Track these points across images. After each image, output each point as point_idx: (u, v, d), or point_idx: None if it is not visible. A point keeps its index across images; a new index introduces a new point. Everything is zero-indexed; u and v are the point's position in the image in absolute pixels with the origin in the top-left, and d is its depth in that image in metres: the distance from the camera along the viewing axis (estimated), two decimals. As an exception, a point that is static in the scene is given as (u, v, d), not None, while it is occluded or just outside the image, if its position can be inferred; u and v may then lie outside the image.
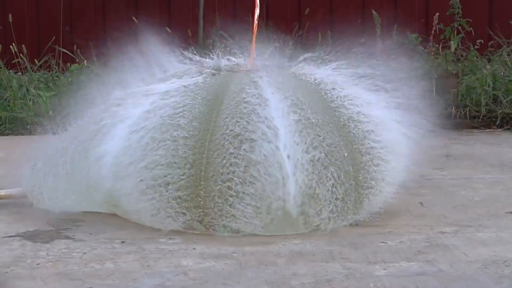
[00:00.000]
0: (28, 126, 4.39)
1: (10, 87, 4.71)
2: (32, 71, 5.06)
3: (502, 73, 4.58)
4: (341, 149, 1.98)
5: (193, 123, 1.97)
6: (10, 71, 4.98)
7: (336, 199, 1.93)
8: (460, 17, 4.91)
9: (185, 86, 2.09)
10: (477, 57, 4.91)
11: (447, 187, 2.50)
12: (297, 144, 1.90)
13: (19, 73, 5.01)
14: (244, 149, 1.89)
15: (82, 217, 2.14)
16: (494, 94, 4.40)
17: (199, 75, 2.15)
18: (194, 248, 1.83)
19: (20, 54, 4.99)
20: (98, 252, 1.82)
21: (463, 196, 2.40)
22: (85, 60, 4.98)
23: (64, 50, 5.28)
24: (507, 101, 4.33)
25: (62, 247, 1.87)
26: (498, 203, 2.34)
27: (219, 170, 1.89)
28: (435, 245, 1.85)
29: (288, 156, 1.87)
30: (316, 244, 1.84)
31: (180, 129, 1.96)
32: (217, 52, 2.29)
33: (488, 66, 4.67)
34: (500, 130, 4.20)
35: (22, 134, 4.36)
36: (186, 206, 1.92)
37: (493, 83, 4.46)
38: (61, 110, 4.43)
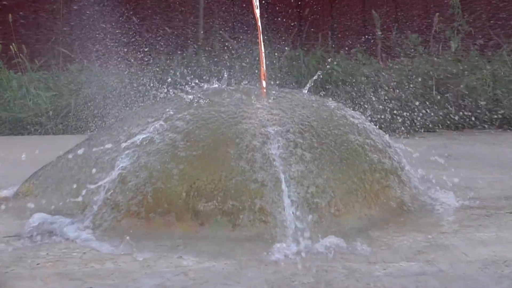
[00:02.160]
0: (28, 126, 4.39)
1: (10, 87, 4.71)
2: (32, 71, 5.06)
3: (502, 73, 4.59)
4: (347, 179, 2.01)
5: (193, 153, 1.99)
6: (10, 71, 4.98)
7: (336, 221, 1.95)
8: (460, 17, 4.91)
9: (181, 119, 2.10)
10: (477, 57, 4.91)
11: (447, 187, 2.50)
12: (298, 182, 1.93)
13: (19, 73, 5.01)
14: (249, 187, 1.91)
15: (82, 218, 2.14)
16: (494, 94, 4.41)
17: (197, 102, 2.16)
18: (194, 248, 1.83)
19: (20, 54, 5.00)
20: (98, 252, 1.81)
21: (464, 195, 2.40)
22: (85, 60, 4.99)
23: (64, 50, 5.28)
24: (507, 101, 4.34)
25: (62, 247, 1.87)
26: (498, 203, 2.34)
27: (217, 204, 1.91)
28: (435, 245, 1.85)
29: (289, 196, 1.89)
30: (316, 244, 1.84)
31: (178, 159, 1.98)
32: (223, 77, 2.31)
33: (488, 66, 4.67)
34: (500, 130, 4.20)
35: (22, 134, 4.36)
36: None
37: (493, 83, 4.46)
38: (61, 110, 4.44)
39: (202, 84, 2.41)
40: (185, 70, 4.63)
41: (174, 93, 2.37)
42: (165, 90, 2.49)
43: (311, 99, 2.35)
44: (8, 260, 1.76)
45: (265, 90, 2.30)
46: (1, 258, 1.77)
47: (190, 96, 2.23)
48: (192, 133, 2.06)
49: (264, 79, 2.29)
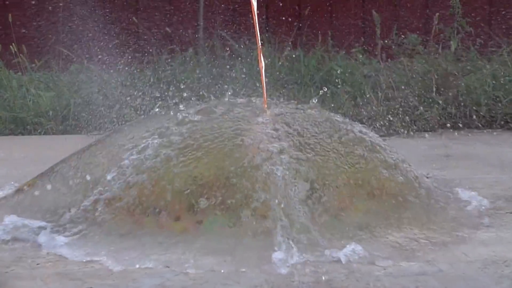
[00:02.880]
0: (28, 126, 4.39)
1: (10, 87, 4.70)
2: (32, 71, 5.06)
3: (502, 73, 4.58)
4: (354, 193, 2.02)
5: (190, 168, 1.99)
6: (10, 71, 4.98)
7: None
8: (460, 17, 4.91)
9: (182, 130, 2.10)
10: (477, 57, 4.91)
11: (447, 187, 2.50)
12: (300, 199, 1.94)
13: (19, 73, 5.01)
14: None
15: (82, 217, 2.14)
16: (494, 94, 4.40)
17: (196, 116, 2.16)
18: (194, 248, 1.83)
19: (20, 54, 5.00)
20: (98, 252, 1.81)
21: (463, 195, 2.40)
22: (85, 60, 4.98)
23: (64, 50, 5.28)
24: (507, 101, 4.33)
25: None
26: (498, 203, 2.34)
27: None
28: (435, 245, 1.85)
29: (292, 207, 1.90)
30: (316, 244, 1.84)
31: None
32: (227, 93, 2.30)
33: (488, 66, 4.66)
34: (500, 130, 4.20)
35: (22, 134, 4.36)
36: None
37: (493, 83, 4.46)
38: (61, 110, 4.45)
39: (201, 98, 2.40)
40: (184, 73, 4.63)
41: (171, 105, 2.36)
42: (163, 96, 2.48)
43: (315, 113, 2.32)
44: (8, 260, 1.76)
45: (266, 105, 2.27)
46: (1, 258, 1.77)
47: (187, 113, 2.21)
48: (190, 147, 2.04)
49: (265, 94, 2.27)
